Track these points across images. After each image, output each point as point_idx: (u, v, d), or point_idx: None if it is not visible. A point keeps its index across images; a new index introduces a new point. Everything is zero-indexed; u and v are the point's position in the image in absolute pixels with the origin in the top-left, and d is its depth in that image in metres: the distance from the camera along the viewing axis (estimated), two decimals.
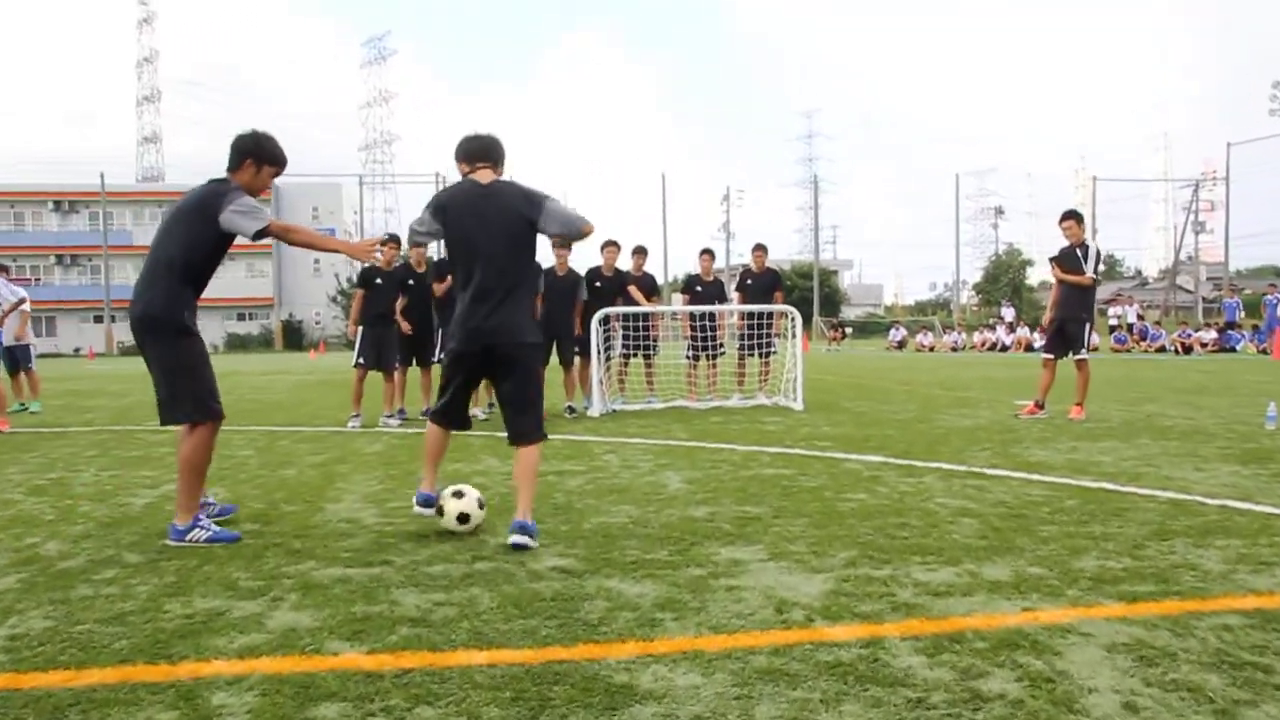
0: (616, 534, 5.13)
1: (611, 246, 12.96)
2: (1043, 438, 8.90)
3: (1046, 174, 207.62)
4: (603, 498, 6.22)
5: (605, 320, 12.61)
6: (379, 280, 11.06)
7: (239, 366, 32.67)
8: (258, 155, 5.24)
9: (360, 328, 11.20)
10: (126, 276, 72.01)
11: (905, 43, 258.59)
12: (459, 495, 5.20)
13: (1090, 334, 10.72)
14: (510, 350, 5.06)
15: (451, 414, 5.38)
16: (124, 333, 68.32)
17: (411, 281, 11.44)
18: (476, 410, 11.43)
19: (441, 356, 11.47)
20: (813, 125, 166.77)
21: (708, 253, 13.80)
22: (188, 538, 5.02)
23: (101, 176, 65.96)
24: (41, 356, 61.49)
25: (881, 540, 4.86)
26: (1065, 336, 10.65)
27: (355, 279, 11.11)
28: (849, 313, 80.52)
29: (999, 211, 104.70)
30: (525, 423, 5.11)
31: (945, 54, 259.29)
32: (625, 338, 13.00)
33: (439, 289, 11.30)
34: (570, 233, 5.21)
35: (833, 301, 77.66)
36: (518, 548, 4.78)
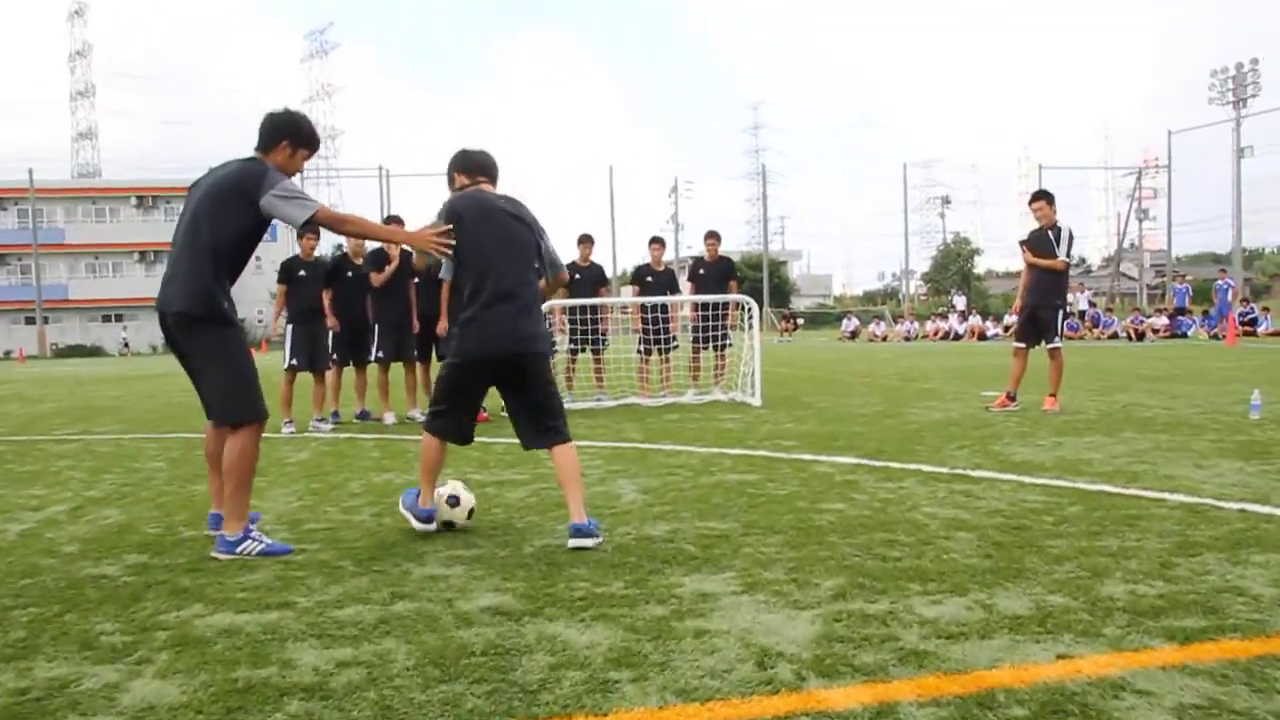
0: (563, 560, 4.42)
1: (586, 243, 12.42)
2: (1021, 432, 8.31)
3: (991, 165, 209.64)
4: (547, 513, 5.51)
5: (548, 314, 11.90)
6: (302, 272, 10.23)
7: (174, 366, 31.50)
8: (295, 136, 4.89)
9: (290, 326, 10.36)
10: (59, 276, 69.95)
11: (851, 36, 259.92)
12: (452, 500, 5.15)
13: (1063, 321, 10.17)
14: (534, 359, 4.95)
15: (456, 426, 5.13)
16: (58, 334, 66.49)
17: (349, 273, 10.63)
18: (414, 411, 10.66)
19: (379, 355, 10.70)
20: (759, 117, 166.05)
21: (658, 241, 13.09)
22: (239, 550, 4.66)
23: (30, 172, 63.72)
24: None
25: (870, 563, 4.19)
26: (1037, 324, 10.09)
27: (278, 272, 10.24)
28: (799, 303, 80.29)
29: (945, 201, 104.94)
30: (557, 423, 5.02)
31: (890, 47, 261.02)
32: (572, 332, 12.28)
33: (377, 279, 10.49)
34: (551, 272, 5.22)
35: (782, 292, 77.40)
36: (578, 549, 4.60)
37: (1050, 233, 9.98)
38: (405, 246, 6.85)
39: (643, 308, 12.78)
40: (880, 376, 16.45)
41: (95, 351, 64.40)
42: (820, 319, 69.49)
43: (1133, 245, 79.73)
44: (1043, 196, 10.11)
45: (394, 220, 10.32)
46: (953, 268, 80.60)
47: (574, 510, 4.75)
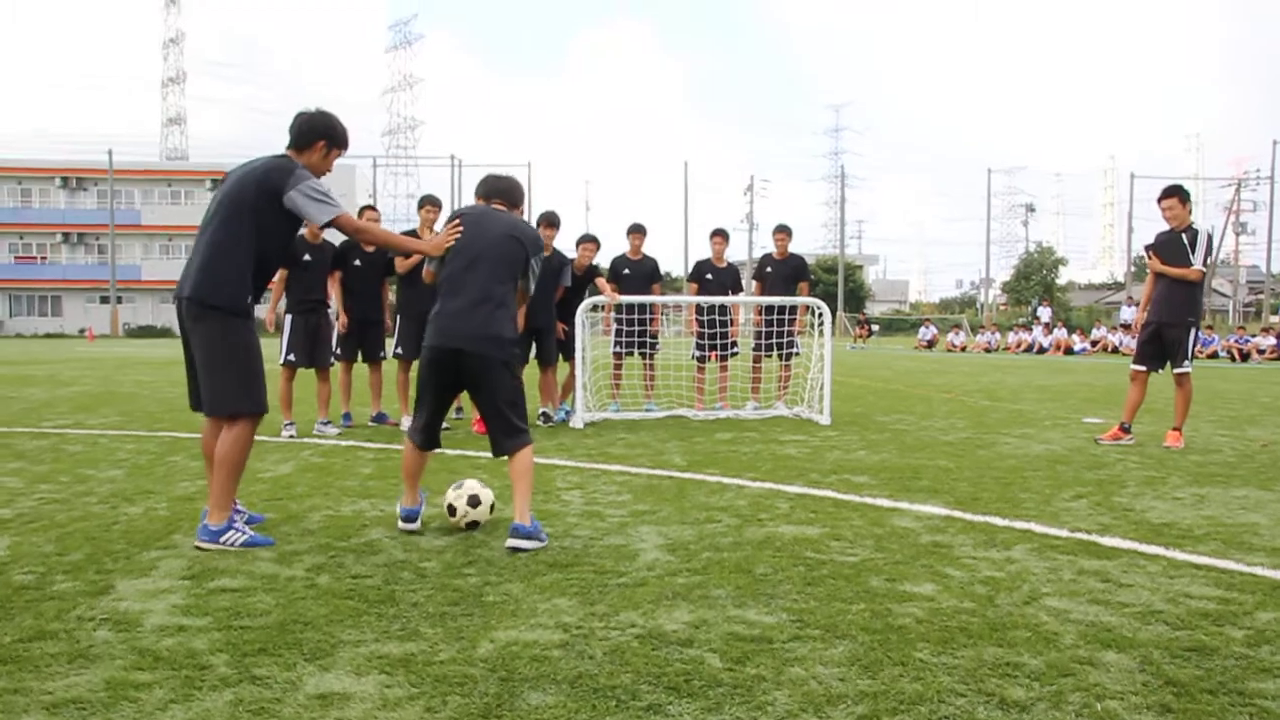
0: (527, 673, 3.05)
1: (637, 233, 11.11)
2: (1149, 478, 6.75)
3: (1076, 173, 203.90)
4: (534, 579, 4.13)
5: (594, 311, 10.56)
6: (307, 257, 8.97)
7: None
8: (331, 137, 4.98)
9: (289, 316, 9.14)
10: (134, 256, 70.49)
11: (935, 39, 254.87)
12: (474, 502, 5.09)
13: (1195, 341, 8.54)
14: (481, 358, 4.88)
15: (420, 427, 5.11)
16: (130, 314, 67.00)
17: (358, 261, 9.40)
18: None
19: (398, 351, 9.47)
20: (840, 119, 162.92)
21: (720, 234, 11.63)
22: (222, 539, 4.66)
23: (110, 154, 64.25)
24: (46, 336, 60.16)
25: (984, 711, 2.76)
26: (1163, 344, 8.47)
27: None
28: (873, 309, 78.07)
29: (1030, 209, 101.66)
30: (505, 430, 4.93)
31: (974, 51, 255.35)
32: (619, 333, 10.91)
33: (402, 265, 9.24)
34: (530, 290, 5.31)
35: (857, 297, 75.33)
36: (515, 550, 4.61)
37: (1184, 236, 8.36)
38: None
39: (700, 309, 11.35)
40: (964, 392, 14.83)
41: (165, 332, 64.63)
42: (896, 326, 67.31)
43: (1225, 261, 76.13)
44: (1175, 193, 8.49)
45: (369, 210, 9.40)
46: (1035, 278, 77.76)
47: (517, 509, 4.76)
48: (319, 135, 4.94)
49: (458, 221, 5.08)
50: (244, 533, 4.73)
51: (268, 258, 4.91)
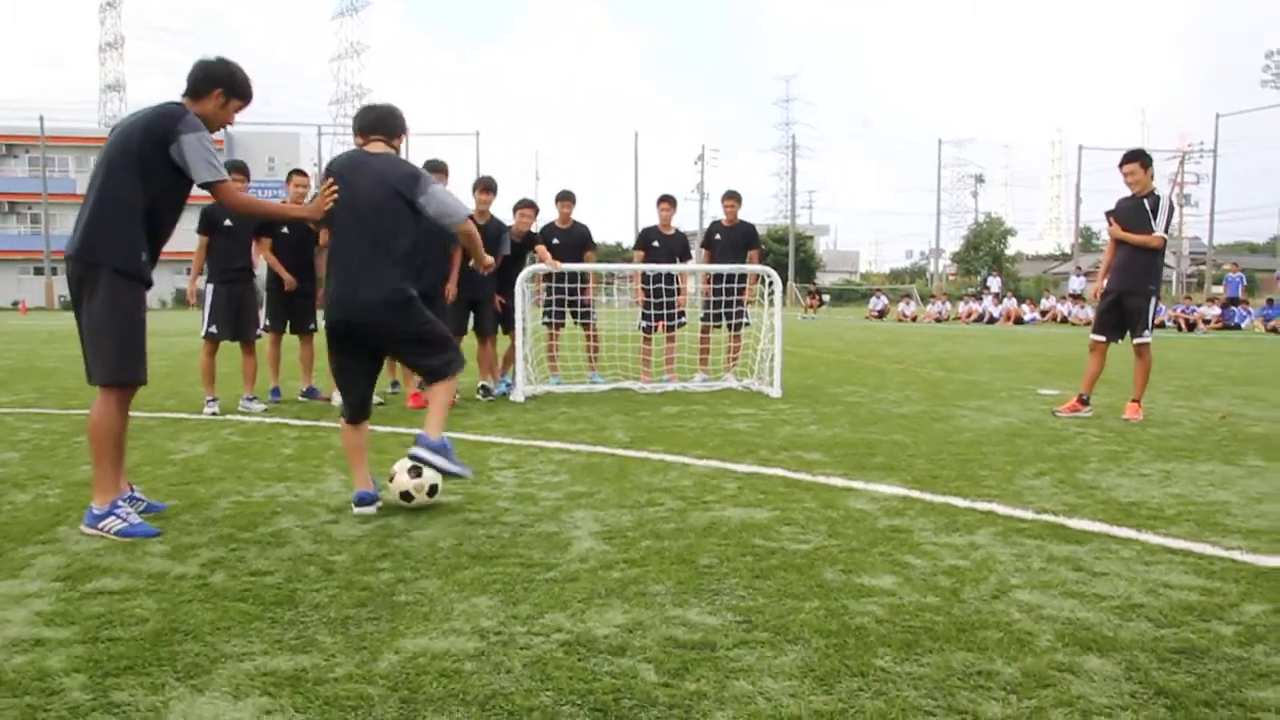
0: (433, 691, 2.65)
1: (565, 200, 10.58)
2: (1111, 453, 6.47)
3: (1023, 145, 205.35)
4: (453, 574, 3.72)
5: (533, 281, 10.12)
6: (229, 222, 8.42)
7: (164, 323, 29.75)
8: (230, 86, 4.60)
9: (210, 286, 8.59)
10: (68, 226, 67.91)
11: (885, 10, 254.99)
12: (415, 472, 4.79)
13: (1155, 310, 8.27)
14: (378, 325, 4.78)
15: (357, 407, 4.96)
16: (64, 285, 64.97)
17: (286, 229, 8.86)
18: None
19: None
20: (790, 90, 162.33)
21: (667, 200, 11.19)
22: (100, 525, 4.32)
23: (41, 119, 62.19)
24: None
25: None
26: (1123, 313, 8.20)
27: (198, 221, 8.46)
28: (824, 279, 78.02)
29: (979, 180, 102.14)
30: (429, 366, 4.94)
31: (925, 23, 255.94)
32: (549, 303, 10.47)
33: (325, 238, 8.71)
34: (446, 222, 4.94)
35: (808, 267, 75.20)
36: (415, 459, 4.75)
37: (1146, 202, 8.09)
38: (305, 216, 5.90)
39: (646, 277, 10.94)
40: (917, 363, 14.57)
41: None
42: (847, 296, 67.30)
43: (1171, 233, 76.94)
44: (1137, 158, 8.21)
45: (297, 174, 8.92)
46: (984, 248, 78.06)
47: (429, 424, 4.84)
48: (215, 83, 4.55)
49: (330, 180, 4.80)
50: (124, 519, 4.34)
51: (159, 215, 4.48)
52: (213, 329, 8.52)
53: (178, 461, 6.17)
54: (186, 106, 4.49)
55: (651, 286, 10.84)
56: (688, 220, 72.16)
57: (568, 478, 5.59)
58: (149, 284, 4.51)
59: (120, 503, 4.40)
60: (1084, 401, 8.35)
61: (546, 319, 10.62)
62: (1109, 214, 8.37)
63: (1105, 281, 8.36)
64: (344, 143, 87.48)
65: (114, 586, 3.58)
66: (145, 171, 4.35)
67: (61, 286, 63.48)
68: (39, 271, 64.65)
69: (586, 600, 3.39)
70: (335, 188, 4.77)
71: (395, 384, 9.88)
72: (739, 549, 4.04)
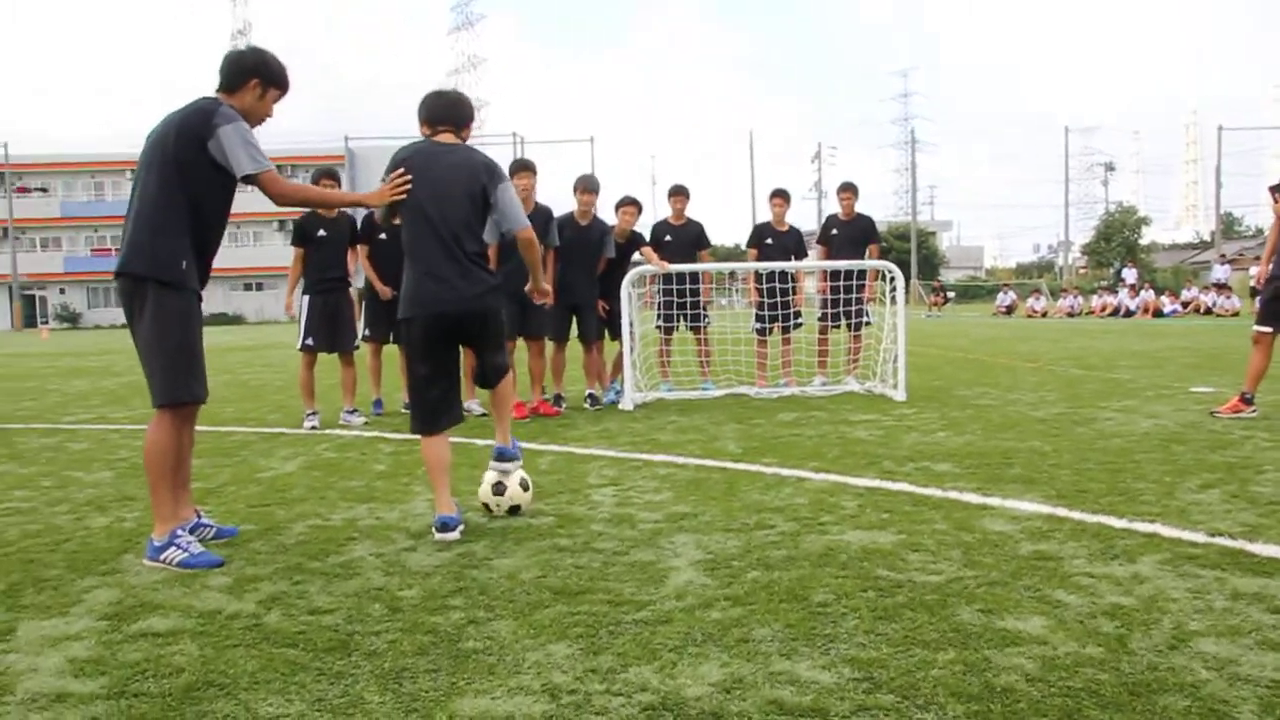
0: None
1: (678, 195, 10.12)
2: None
3: (1155, 130, 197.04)
4: (532, 613, 3.28)
5: (641, 285, 9.68)
6: (322, 232, 8.21)
7: (272, 338, 30.28)
8: (265, 75, 4.29)
9: (306, 297, 8.39)
10: None
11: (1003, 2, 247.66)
12: (499, 489, 4.75)
13: None
14: (476, 315, 4.61)
15: (439, 411, 4.62)
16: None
17: (384, 235, 8.59)
18: (472, 403, 8.60)
19: None
20: (909, 84, 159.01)
21: (780, 195, 10.63)
22: (162, 557, 4.03)
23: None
24: (122, 327, 61.06)
25: None
26: None
27: (292, 232, 8.31)
28: (948, 276, 75.91)
29: (1109, 168, 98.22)
30: (497, 371, 4.81)
31: (1044, 8, 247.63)
32: (663, 306, 10.00)
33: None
34: (505, 226, 4.76)
35: (931, 264, 73.22)
36: (501, 472, 4.78)
37: None
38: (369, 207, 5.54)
39: (760, 276, 10.40)
40: (1052, 361, 13.67)
41: (236, 320, 65.29)
42: (972, 293, 65.29)
43: None
44: None
45: (327, 175, 8.22)
46: (1116, 239, 74.79)
47: (499, 433, 4.89)
48: (250, 73, 4.26)
49: (402, 170, 4.54)
50: (186, 550, 4.05)
51: (205, 219, 4.20)
52: (309, 341, 8.32)
53: (264, 481, 5.91)
54: (221, 100, 4.20)
55: (766, 286, 10.29)
56: (806, 219, 71.13)
57: (671, 495, 5.12)
58: (199, 294, 4.22)
59: (180, 531, 4.12)
60: (1247, 400, 7.51)
61: (660, 323, 10.17)
62: (1273, 189, 7.52)
63: (1270, 266, 7.51)
64: None
65: (160, 627, 3.25)
66: (184, 174, 4.06)
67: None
68: None
69: (679, 649, 2.91)
70: (408, 178, 4.50)
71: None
72: (860, 582, 3.51)
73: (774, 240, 10.48)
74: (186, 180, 4.07)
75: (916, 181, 78.37)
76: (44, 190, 73.05)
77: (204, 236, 4.22)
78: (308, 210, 8.21)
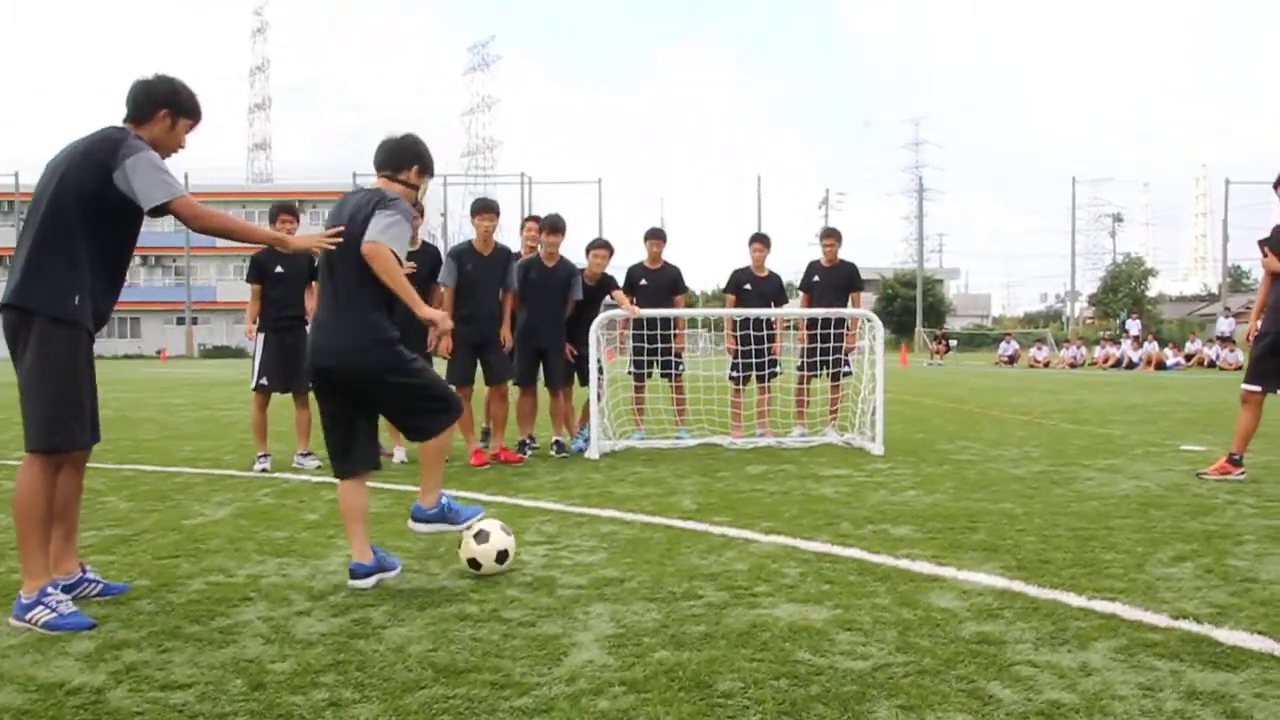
0: None
1: (654, 239, 9.88)
2: (1273, 531, 5.33)
3: (1164, 182, 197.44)
4: (402, 696, 2.94)
5: (611, 329, 9.38)
6: (280, 269, 7.94)
7: None
8: (175, 104, 4.07)
9: (261, 335, 8.10)
10: (209, 278, 71.21)
11: (1013, 49, 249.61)
12: (482, 537, 4.40)
13: None
14: (356, 374, 4.30)
15: (342, 456, 4.42)
16: (205, 335, 67.54)
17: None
18: (397, 450, 8.33)
19: None
20: (920, 132, 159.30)
21: (760, 239, 10.33)
22: (27, 617, 3.70)
23: (185, 176, 64.88)
24: (125, 357, 60.82)
25: None
26: None
27: (247, 268, 8.06)
28: (955, 324, 75.57)
29: (1117, 219, 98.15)
30: (419, 430, 4.45)
31: (1055, 59, 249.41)
32: (637, 351, 9.68)
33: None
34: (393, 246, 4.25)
35: (937, 311, 72.92)
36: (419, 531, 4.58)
37: None
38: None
39: (738, 323, 10.09)
40: (1043, 414, 13.32)
41: (239, 353, 65.11)
42: (978, 341, 64.85)
43: None
44: None
45: (285, 210, 7.86)
46: (1123, 290, 74.51)
47: (422, 489, 4.56)
48: (159, 103, 4.02)
49: (339, 228, 4.36)
50: (54, 609, 3.71)
51: (105, 254, 3.93)
52: (263, 381, 8.03)
53: (185, 529, 5.57)
54: (129, 130, 3.96)
55: (745, 333, 9.98)
56: (771, 248, 70.78)
57: (604, 557, 4.78)
58: (91, 333, 3.90)
59: (50, 590, 3.76)
60: (1235, 462, 7.16)
61: (634, 369, 9.86)
62: (1263, 244, 7.21)
63: (1260, 322, 7.19)
64: (475, 193, 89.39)
65: None
66: (85, 205, 3.80)
67: (202, 335, 65.99)
68: (180, 321, 67.19)
69: None
70: (339, 230, 4.31)
71: (486, 432, 9.09)
72: (775, 667, 3.16)
73: (752, 286, 10.19)
74: (87, 211, 3.82)
75: (925, 229, 78.20)
76: None
77: (102, 273, 3.94)
78: (264, 246, 7.93)
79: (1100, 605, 3.85)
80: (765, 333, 9.99)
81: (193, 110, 4.15)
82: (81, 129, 3.99)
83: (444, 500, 4.53)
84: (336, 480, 4.48)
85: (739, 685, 3.00)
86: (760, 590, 4.12)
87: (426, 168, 4.57)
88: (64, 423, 3.82)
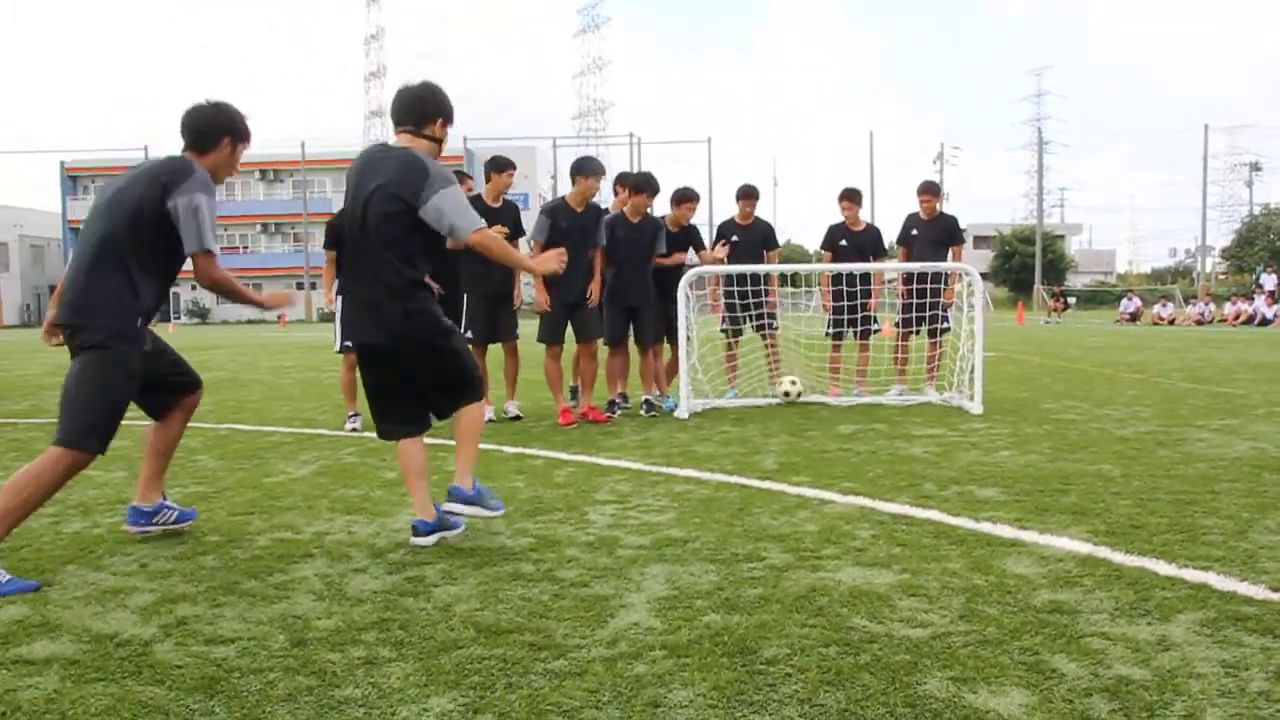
0: None
1: (746, 198, 9.67)
2: None
3: None
4: (439, 655, 2.88)
5: (699, 285, 9.22)
6: None
7: None
8: (235, 131, 4.23)
9: (340, 298, 8.16)
10: None
11: None
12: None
13: None
14: (399, 349, 4.24)
15: (386, 419, 4.40)
16: (323, 299, 69.40)
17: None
18: (509, 405, 8.32)
19: (467, 334, 8.34)
20: (1042, 84, 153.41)
21: (848, 195, 9.99)
22: None
23: (302, 145, 66.59)
24: (247, 323, 63.12)
25: None
26: None
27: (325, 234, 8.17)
28: (1076, 281, 73.07)
29: (1255, 168, 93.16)
30: (452, 402, 4.38)
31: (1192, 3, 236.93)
32: (729, 308, 9.50)
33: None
34: (453, 234, 4.18)
35: (1057, 268, 70.48)
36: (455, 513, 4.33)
37: None
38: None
39: (835, 279, 9.82)
40: (1160, 372, 12.71)
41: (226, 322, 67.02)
42: (1100, 298, 62.61)
43: None
44: None
45: (462, 176, 7.86)
46: (1260, 242, 70.89)
47: (458, 469, 4.40)
48: (222, 131, 4.20)
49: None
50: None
51: (155, 276, 4.06)
52: (348, 343, 8.10)
53: (266, 486, 5.66)
54: (195, 163, 4.10)
55: (842, 289, 9.70)
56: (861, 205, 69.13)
57: (673, 516, 4.67)
58: (141, 345, 4.05)
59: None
60: None
61: (724, 325, 9.70)
62: None
63: None
64: (584, 149, 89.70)
65: (39, 654, 2.96)
66: (140, 220, 3.94)
67: (319, 300, 67.76)
68: (300, 286, 69.13)
69: (572, 712, 2.48)
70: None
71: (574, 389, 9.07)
72: (826, 634, 3.01)
73: (849, 241, 9.89)
74: (144, 238, 3.96)
75: (1045, 184, 75.65)
76: None
77: (154, 292, 4.08)
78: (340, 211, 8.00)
79: (1191, 574, 3.59)
80: (860, 288, 9.70)
81: (248, 135, 4.31)
82: (206, 93, 4.26)
83: (478, 485, 4.41)
84: (391, 439, 4.43)
85: (784, 652, 2.87)
86: (826, 553, 3.96)
87: (450, 119, 4.39)
88: (100, 431, 3.92)
